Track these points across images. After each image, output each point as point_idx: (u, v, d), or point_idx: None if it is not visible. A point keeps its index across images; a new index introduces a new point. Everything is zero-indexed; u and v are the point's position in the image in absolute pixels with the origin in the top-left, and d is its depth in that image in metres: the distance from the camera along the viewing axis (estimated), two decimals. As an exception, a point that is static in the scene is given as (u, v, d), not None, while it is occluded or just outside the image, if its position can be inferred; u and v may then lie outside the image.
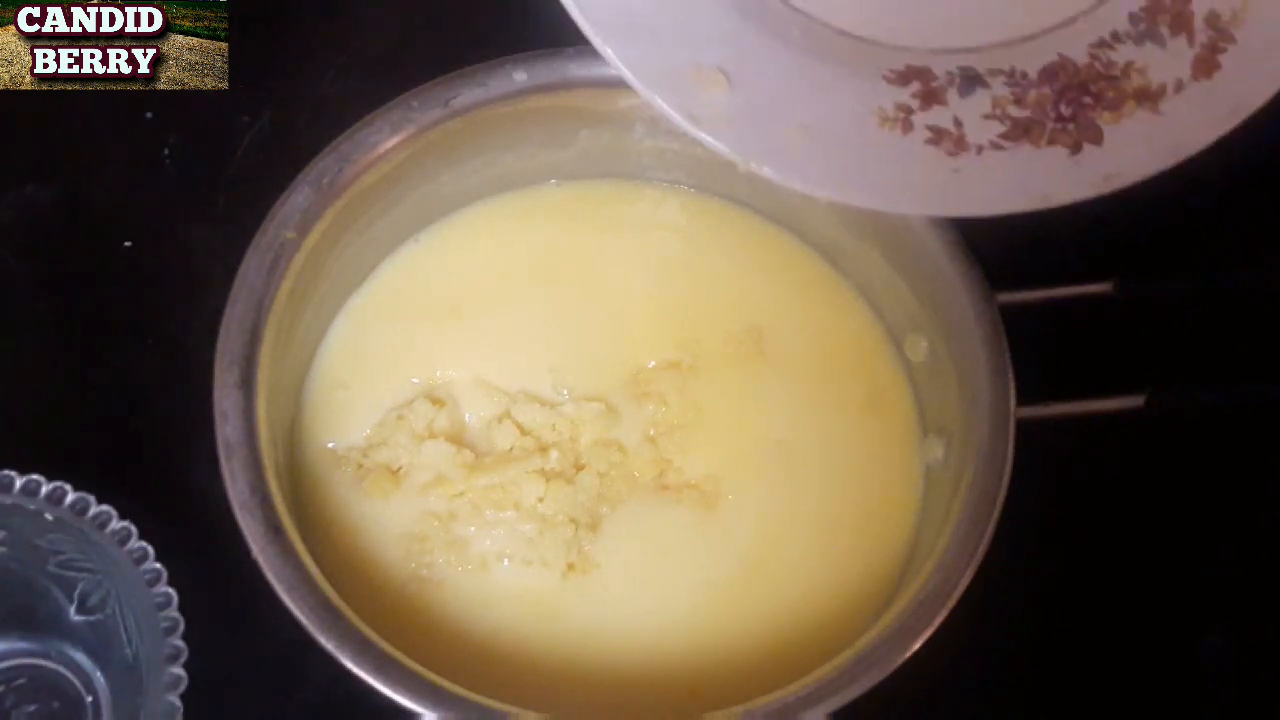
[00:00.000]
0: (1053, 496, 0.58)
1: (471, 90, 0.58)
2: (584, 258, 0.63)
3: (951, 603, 0.51)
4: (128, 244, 0.64)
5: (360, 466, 0.58)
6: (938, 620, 0.51)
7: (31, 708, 0.55)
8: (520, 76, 0.58)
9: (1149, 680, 0.60)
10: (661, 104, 0.53)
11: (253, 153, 0.66)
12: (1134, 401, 0.56)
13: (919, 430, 0.61)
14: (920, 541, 0.58)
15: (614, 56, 0.53)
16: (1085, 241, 0.62)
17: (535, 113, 0.59)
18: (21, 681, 0.55)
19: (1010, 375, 0.55)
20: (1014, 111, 0.55)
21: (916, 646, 0.50)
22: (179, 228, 0.65)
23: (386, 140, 0.57)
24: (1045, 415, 0.55)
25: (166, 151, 0.66)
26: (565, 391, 0.60)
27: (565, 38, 0.56)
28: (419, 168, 0.59)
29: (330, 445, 0.59)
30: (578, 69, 0.58)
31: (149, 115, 0.66)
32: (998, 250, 0.57)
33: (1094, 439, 0.59)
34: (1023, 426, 0.54)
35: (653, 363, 0.61)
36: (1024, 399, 0.55)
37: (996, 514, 0.53)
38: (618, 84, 0.55)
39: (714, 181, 0.64)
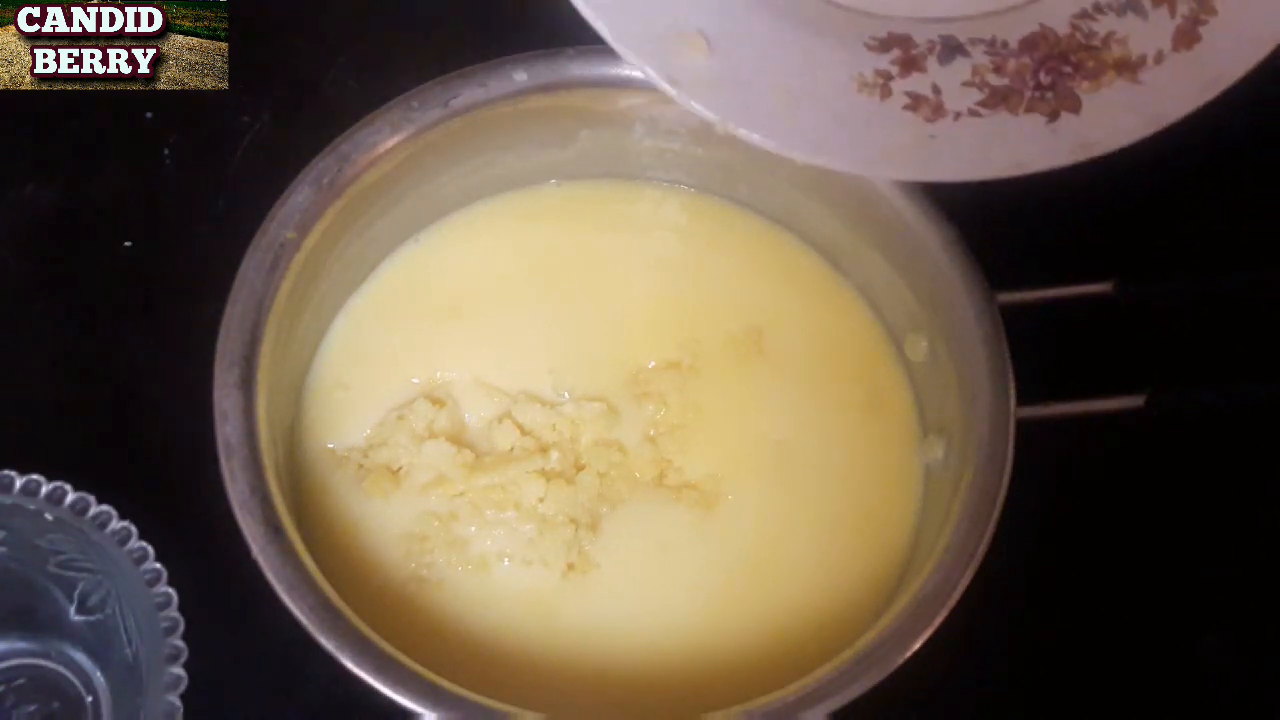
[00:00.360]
0: (1053, 496, 0.58)
1: (471, 90, 0.58)
2: (584, 258, 0.63)
3: (951, 603, 0.51)
4: (128, 244, 0.64)
5: (360, 467, 0.58)
6: (938, 620, 0.51)
7: (31, 708, 0.55)
8: (520, 76, 0.58)
9: (1148, 680, 0.60)
10: (643, 67, 0.53)
11: (253, 153, 0.66)
12: (1134, 401, 0.56)
13: (919, 430, 0.61)
14: (920, 541, 0.58)
15: (595, 19, 0.53)
16: (1085, 241, 0.62)
17: (535, 113, 0.59)
18: (21, 681, 0.55)
19: (1010, 375, 0.55)
20: (993, 80, 0.55)
21: (916, 646, 0.50)
22: (179, 228, 0.65)
23: (386, 140, 0.57)
24: (1045, 415, 0.55)
25: (166, 151, 0.66)
26: (565, 392, 0.60)
27: (565, 38, 0.56)
28: (419, 168, 0.59)
29: (330, 445, 0.59)
30: (578, 69, 0.58)
31: (149, 115, 0.66)
32: (998, 250, 0.57)
33: (1094, 439, 0.59)
34: (1023, 426, 0.54)
35: (653, 363, 0.61)
36: (1024, 399, 0.55)
37: (996, 514, 0.53)
38: (618, 84, 0.55)
39: (714, 181, 0.64)
